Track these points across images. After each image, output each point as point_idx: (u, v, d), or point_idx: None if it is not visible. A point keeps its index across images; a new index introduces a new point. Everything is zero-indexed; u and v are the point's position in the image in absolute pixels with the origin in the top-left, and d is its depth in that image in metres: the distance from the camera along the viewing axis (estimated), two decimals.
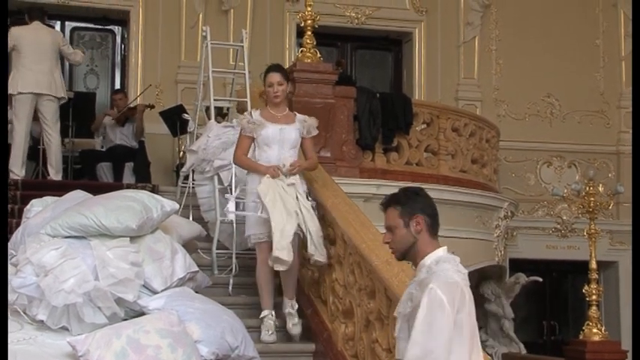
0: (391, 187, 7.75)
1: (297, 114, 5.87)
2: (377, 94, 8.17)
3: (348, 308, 5.29)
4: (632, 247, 7.37)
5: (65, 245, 4.73)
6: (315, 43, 7.65)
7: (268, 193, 5.45)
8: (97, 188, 6.57)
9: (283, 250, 5.33)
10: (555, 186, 11.01)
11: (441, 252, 3.27)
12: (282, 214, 5.41)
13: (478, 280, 10.16)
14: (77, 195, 5.56)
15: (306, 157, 5.86)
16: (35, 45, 8.26)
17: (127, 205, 4.96)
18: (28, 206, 5.66)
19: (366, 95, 8.01)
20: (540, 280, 10.60)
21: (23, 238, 5.15)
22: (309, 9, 7.59)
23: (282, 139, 5.68)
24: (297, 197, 5.52)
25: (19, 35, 8.31)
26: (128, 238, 4.89)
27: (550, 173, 12.19)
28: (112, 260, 4.71)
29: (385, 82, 12.15)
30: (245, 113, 5.98)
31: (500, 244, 9.50)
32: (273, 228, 5.36)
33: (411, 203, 3.32)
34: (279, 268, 5.44)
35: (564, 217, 11.86)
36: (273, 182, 5.49)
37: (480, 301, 10.32)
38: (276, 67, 5.88)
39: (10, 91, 8.23)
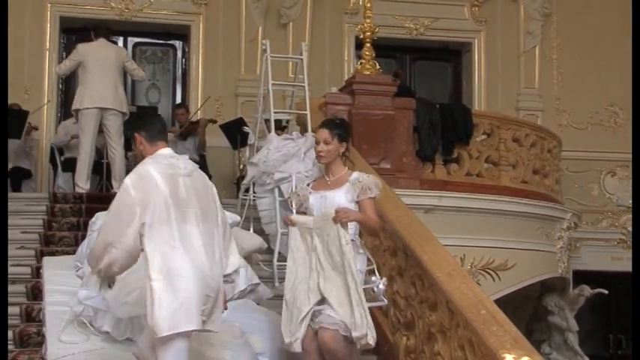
0: (452, 199, 7.85)
1: (354, 173, 4.76)
2: (436, 105, 8.14)
3: (410, 320, 5.25)
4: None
5: None
6: (374, 54, 7.67)
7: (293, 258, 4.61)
8: None
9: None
10: (620, 196, 10.79)
11: (158, 152, 3.91)
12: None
13: (541, 292, 10.01)
14: None
15: None
16: (100, 61, 8.44)
17: None
18: (92, 219, 5.75)
19: (426, 106, 7.98)
20: (605, 292, 10.38)
21: (88, 251, 5.25)
22: (368, 21, 7.62)
23: (321, 207, 4.63)
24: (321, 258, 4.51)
25: (85, 52, 8.51)
26: None
27: (614, 183, 11.96)
28: None
29: (444, 92, 12.09)
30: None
31: (564, 255, 9.35)
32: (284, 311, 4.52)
33: (130, 127, 4.18)
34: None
35: (630, 228, 11.62)
36: (300, 238, 4.57)
37: (543, 313, 10.16)
38: (326, 123, 4.86)
39: (76, 106, 8.44)
